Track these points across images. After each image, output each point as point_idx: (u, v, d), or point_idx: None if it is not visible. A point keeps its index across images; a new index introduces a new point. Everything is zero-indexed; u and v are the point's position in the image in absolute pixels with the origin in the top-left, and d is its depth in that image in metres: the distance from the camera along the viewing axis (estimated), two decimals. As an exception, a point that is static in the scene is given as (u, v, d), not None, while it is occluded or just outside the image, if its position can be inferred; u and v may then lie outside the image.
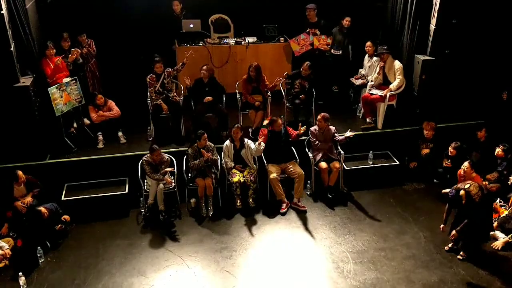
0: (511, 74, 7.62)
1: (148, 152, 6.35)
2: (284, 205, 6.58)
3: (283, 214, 6.51)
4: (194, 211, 6.59)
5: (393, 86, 7.42)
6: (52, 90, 6.61)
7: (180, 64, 7.28)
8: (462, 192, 5.38)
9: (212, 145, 6.60)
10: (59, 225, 5.99)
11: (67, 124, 7.19)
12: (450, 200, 5.58)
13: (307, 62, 7.48)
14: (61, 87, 6.75)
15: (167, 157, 6.45)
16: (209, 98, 7.20)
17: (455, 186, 5.57)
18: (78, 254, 5.79)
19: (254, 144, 6.59)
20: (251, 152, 6.63)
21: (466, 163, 6.24)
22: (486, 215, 5.60)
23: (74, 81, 6.95)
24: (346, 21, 7.95)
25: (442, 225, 5.74)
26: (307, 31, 8.04)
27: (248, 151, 6.64)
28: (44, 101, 6.60)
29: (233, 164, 6.63)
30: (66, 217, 6.11)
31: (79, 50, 7.19)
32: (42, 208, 5.81)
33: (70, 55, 7.11)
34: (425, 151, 7.19)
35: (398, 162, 7.27)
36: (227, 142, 6.66)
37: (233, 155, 6.65)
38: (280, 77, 7.38)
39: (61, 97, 6.74)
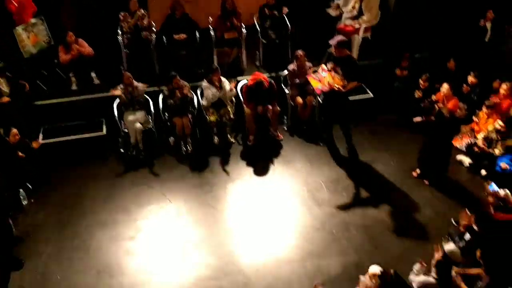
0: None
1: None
2: (251, 138, 6.74)
3: (251, 146, 6.67)
4: (174, 149, 6.69)
5: (363, 19, 7.29)
6: (18, 31, 6.38)
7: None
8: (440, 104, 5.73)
9: (186, 83, 6.57)
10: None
11: (37, 66, 7.00)
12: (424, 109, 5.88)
13: None
14: (27, 27, 6.51)
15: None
16: (182, 35, 7.06)
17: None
18: (61, 196, 5.91)
19: (229, 85, 6.56)
20: (227, 92, 6.64)
21: (445, 85, 6.45)
22: (447, 138, 5.86)
23: (41, 21, 6.68)
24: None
25: None
26: (328, 68, 6.19)
27: (226, 92, 6.63)
28: (11, 44, 6.38)
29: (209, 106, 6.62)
30: (35, 144, 5.92)
31: None
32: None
33: None
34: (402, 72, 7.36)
35: (372, 95, 7.40)
36: (205, 83, 6.56)
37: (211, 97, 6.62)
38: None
39: (28, 38, 6.53)
